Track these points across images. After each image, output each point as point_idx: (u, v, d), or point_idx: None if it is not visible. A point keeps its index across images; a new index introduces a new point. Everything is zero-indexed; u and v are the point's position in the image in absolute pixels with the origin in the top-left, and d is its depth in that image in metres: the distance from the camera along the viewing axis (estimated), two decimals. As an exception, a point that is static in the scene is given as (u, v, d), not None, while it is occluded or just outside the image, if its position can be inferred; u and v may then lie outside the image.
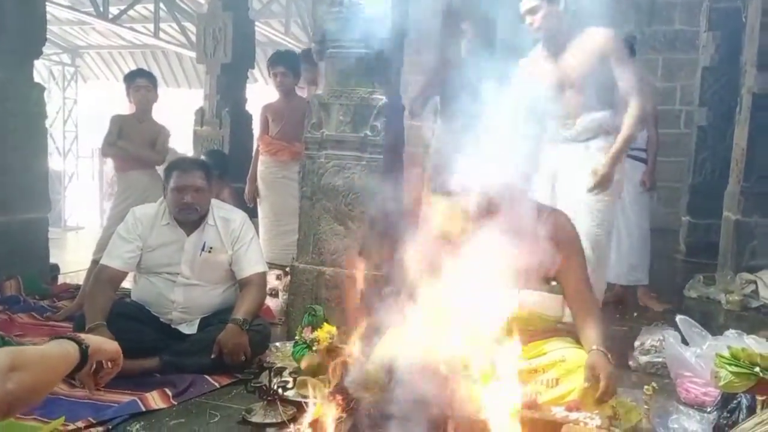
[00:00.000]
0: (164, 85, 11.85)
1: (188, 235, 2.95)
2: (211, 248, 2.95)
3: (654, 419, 2.23)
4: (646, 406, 2.17)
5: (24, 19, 4.08)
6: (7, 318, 3.47)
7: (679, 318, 2.80)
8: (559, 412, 1.78)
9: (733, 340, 2.61)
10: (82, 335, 1.32)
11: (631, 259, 4.21)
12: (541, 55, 3.27)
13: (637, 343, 3.02)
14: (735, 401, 2.28)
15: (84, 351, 1.28)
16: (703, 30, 6.35)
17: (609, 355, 2.14)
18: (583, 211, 3.10)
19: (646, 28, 7.38)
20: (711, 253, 5.17)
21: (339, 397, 1.55)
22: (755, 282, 4.25)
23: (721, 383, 1.96)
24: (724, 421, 2.32)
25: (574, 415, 1.74)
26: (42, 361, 1.18)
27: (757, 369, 1.94)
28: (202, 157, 4.32)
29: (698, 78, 6.38)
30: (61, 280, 4.58)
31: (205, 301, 2.98)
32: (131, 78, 3.90)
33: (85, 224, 9.60)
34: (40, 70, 11.35)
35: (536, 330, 2.33)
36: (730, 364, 1.96)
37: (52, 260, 4.55)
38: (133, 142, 3.84)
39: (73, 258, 5.85)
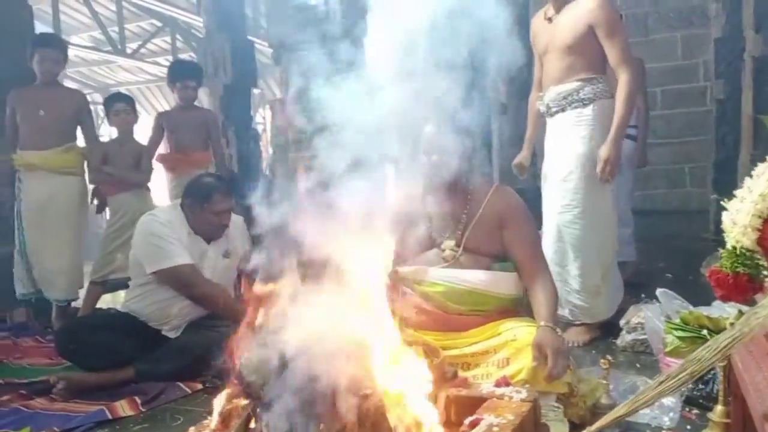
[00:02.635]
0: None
1: (209, 243, 2.94)
2: (230, 254, 3.00)
3: (617, 395, 2.13)
4: (604, 381, 2.07)
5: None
6: (11, 343, 3.61)
7: (659, 291, 2.66)
8: (486, 388, 1.71)
9: (716, 310, 2.48)
10: None
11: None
12: (544, 14, 3.08)
13: (622, 322, 2.89)
14: (711, 372, 2.15)
15: None
16: (712, 1, 6.13)
17: (558, 330, 2.06)
18: (552, 191, 3.01)
19: (662, 7, 7.16)
20: (740, 229, 4.92)
21: (237, 383, 1.54)
22: (772, 252, 4.01)
23: (668, 349, 1.87)
24: (698, 393, 2.20)
25: (500, 390, 1.67)
26: None
27: (705, 332, 1.83)
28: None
29: (711, 50, 6.15)
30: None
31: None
32: (110, 103, 3.98)
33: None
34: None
35: (492, 310, 2.26)
36: (676, 329, 1.86)
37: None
38: (116, 166, 3.91)
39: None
